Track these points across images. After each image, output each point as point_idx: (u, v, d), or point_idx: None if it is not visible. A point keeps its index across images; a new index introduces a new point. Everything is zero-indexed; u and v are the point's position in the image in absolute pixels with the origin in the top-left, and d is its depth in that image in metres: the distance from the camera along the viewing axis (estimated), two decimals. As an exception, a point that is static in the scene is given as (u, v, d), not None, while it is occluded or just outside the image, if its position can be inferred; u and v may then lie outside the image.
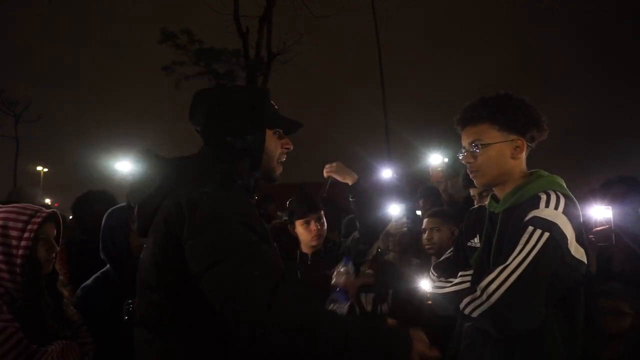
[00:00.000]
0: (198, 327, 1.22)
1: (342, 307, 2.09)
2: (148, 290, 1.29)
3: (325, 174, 2.41)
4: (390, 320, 2.75)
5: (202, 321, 1.22)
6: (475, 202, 2.57)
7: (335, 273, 2.20)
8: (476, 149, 1.62)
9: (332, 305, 2.08)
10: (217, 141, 1.43)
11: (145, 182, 1.37)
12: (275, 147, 1.50)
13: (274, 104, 1.53)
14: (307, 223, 2.53)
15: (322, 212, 2.59)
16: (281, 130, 1.52)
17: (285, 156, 1.54)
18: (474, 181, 1.69)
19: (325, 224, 2.60)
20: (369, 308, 2.84)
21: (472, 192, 2.63)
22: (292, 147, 1.54)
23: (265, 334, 1.10)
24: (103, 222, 2.09)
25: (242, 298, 1.11)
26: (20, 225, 1.60)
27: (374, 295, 2.83)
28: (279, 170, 1.53)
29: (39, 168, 31.64)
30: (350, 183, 2.37)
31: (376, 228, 2.46)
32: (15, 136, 28.64)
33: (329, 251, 2.58)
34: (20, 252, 1.57)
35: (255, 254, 1.16)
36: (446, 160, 3.63)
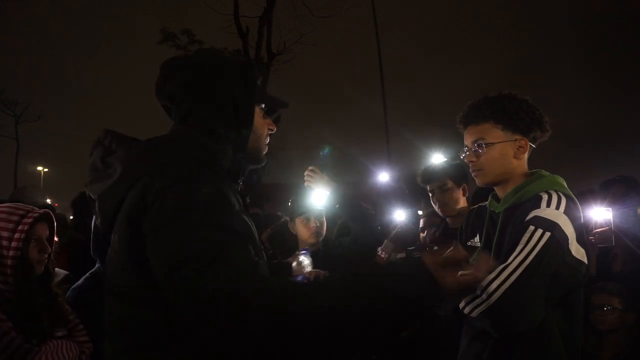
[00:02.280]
0: (172, 343, 1.04)
1: (305, 261, 2.04)
2: (115, 298, 1.11)
3: (305, 183, 2.43)
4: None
5: (176, 335, 1.03)
6: (435, 198, 2.55)
7: (294, 264, 2.09)
8: (479, 148, 1.61)
9: (296, 260, 2.05)
10: (196, 119, 1.19)
11: (105, 172, 1.13)
12: (262, 126, 1.29)
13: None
14: (307, 220, 2.55)
15: (323, 213, 2.60)
16: (265, 109, 1.31)
17: (268, 138, 1.33)
18: (476, 180, 1.68)
19: (325, 224, 2.61)
20: None
21: (429, 187, 2.58)
22: (275, 129, 1.34)
23: (245, 325, 0.91)
24: (94, 220, 2.08)
25: (207, 301, 0.92)
26: (11, 225, 1.59)
27: None
28: (264, 150, 1.32)
29: (39, 168, 31.67)
30: (329, 191, 2.37)
31: (366, 235, 2.45)
32: (16, 136, 28.64)
33: (328, 251, 2.58)
34: (11, 252, 1.57)
35: (221, 254, 0.96)
36: (446, 160, 3.64)
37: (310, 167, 2.39)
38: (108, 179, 1.12)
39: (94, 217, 1.74)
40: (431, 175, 2.58)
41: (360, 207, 2.43)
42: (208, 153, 1.17)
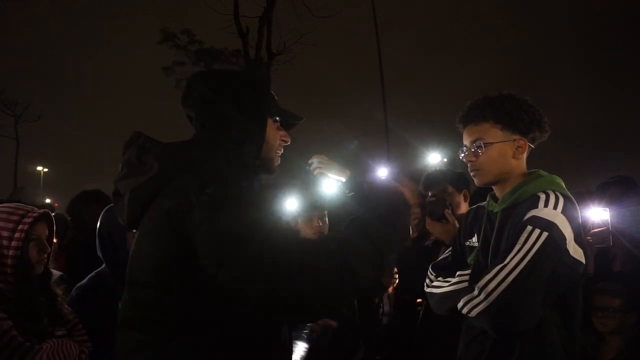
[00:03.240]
0: (201, 329, 1.09)
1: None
2: (142, 288, 1.15)
3: (314, 171, 2.39)
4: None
5: (206, 322, 1.10)
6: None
7: None
8: (478, 148, 1.61)
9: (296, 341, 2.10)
10: (214, 127, 1.29)
11: (140, 168, 1.21)
12: (275, 137, 1.38)
13: (273, 93, 1.42)
14: (310, 220, 2.56)
15: (325, 212, 2.61)
16: (279, 121, 1.41)
17: (282, 149, 1.43)
18: (474, 180, 1.69)
19: (328, 224, 2.62)
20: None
21: (431, 192, 2.60)
22: (289, 140, 1.43)
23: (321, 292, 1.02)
24: (100, 220, 2.08)
25: (280, 276, 0.99)
26: (11, 225, 1.60)
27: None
28: (277, 161, 1.42)
29: (39, 168, 31.69)
30: (344, 178, 2.36)
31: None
32: (16, 136, 28.63)
33: None
34: (11, 252, 1.57)
35: (275, 233, 1.05)
36: (445, 159, 3.66)
37: (315, 156, 2.36)
38: (143, 175, 1.19)
39: (99, 219, 1.79)
40: (432, 181, 2.62)
41: (366, 195, 2.41)
42: (234, 154, 1.26)
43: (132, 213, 1.21)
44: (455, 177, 2.60)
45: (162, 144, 1.25)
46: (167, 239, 1.10)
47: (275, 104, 1.40)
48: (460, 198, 2.56)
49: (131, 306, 1.18)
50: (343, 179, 2.30)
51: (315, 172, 2.36)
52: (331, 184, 2.39)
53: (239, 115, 1.28)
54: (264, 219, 1.08)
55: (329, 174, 2.32)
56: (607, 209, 2.15)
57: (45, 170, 32.12)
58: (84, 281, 2.08)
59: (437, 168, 3.70)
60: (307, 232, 2.57)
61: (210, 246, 1.04)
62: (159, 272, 1.12)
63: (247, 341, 1.11)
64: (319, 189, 2.56)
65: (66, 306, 1.78)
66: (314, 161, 2.32)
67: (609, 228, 2.11)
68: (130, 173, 1.22)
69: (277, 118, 1.39)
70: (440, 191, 2.51)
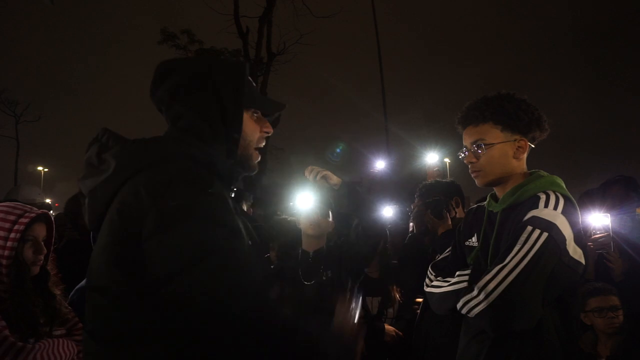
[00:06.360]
0: (154, 341, 1.03)
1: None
2: (96, 294, 1.08)
3: (318, 177, 2.40)
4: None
5: (159, 334, 1.02)
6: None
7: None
8: (479, 149, 1.61)
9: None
10: (185, 123, 1.20)
11: (99, 167, 1.14)
12: (253, 131, 1.28)
13: (252, 80, 1.30)
14: (312, 212, 2.59)
15: (330, 212, 2.63)
16: (259, 112, 1.30)
17: (264, 142, 1.32)
18: (475, 181, 1.68)
19: (330, 222, 2.64)
20: (374, 311, 2.87)
21: (425, 201, 2.76)
22: (271, 132, 1.32)
23: (243, 343, 0.96)
24: None
25: (212, 309, 0.94)
26: (7, 225, 1.59)
27: (380, 299, 2.87)
28: (256, 158, 1.31)
29: (39, 168, 31.70)
30: (337, 183, 2.37)
31: (375, 225, 2.45)
32: (16, 136, 28.68)
33: (330, 250, 2.59)
34: (6, 253, 1.56)
35: (229, 258, 0.99)
36: (447, 160, 3.73)
37: (311, 167, 2.38)
38: (101, 175, 1.11)
39: None
40: (425, 192, 2.80)
41: (365, 197, 2.44)
42: (203, 154, 1.15)
43: (92, 215, 1.14)
44: (445, 186, 2.78)
45: (125, 142, 1.16)
46: (119, 243, 1.03)
47: (253, 91, 1.29)
48: (452, 204, 2.69)
49: (88, 313, 1.11)
50: (336, 185, 2.33)
51: (319, 178, 2.38)
52: (320, 190, 2.43)
53: (212, 110, 1.20)
54: (221, 236, 1.00)
55: (324, 181, 2.35)
56: (608, 214, 2.14)
57: (46, 170, 32.15)
58: (82, 282, 2.08)
59: (435, 169, 3.82)
60: (305, 223, 2.60)
61: (160, 261, 0.98)
62: (112, 278, 1.05)
63: (210, 344, 1.01)
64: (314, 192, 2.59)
65: (66, 305, 1.77)
66: (312, 170, 2.35)
67: (610, 234, 2.10)
68: (89, 173, 1.15)
69: (256, 110, 1.29)
70: (434, 200, 2.66)
